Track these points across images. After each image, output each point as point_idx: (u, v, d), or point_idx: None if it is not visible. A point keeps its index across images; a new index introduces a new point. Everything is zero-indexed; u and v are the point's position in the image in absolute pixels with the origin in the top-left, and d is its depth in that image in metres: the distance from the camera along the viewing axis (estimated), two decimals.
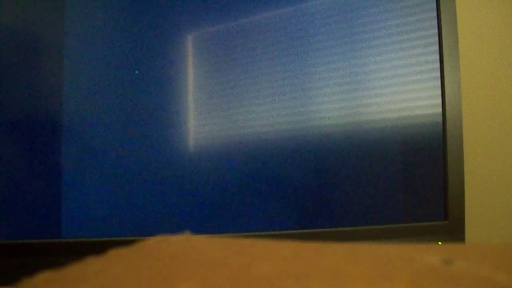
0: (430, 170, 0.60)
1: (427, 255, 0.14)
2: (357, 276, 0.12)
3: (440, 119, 0.60)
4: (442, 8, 0.61)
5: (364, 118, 0.57)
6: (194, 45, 0.53)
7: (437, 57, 0.61)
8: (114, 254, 0.15)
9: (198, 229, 0.52)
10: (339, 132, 0.56)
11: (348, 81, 0.57)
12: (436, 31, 0.61)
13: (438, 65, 0.61)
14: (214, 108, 0.53)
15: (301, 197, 0.55)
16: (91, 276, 0.12)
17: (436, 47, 0.61)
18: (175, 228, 0.51)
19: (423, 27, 0.61)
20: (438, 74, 0.61)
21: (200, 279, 0.12)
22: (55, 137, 0.48)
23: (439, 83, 0.61)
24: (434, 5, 0.61)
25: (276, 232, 0.53)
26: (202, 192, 0.52)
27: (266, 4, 0.55)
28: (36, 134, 0.47)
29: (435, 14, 0.61)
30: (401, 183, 0.58)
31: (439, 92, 0.60)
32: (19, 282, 0.12)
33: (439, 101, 0.60)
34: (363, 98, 0.58)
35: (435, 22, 0.61)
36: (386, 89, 0.58)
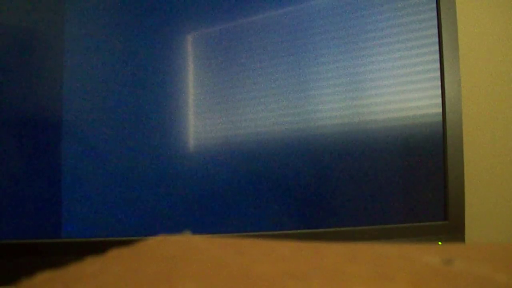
0: (430, 170, 0.60)
1: (427, 255, 0.14)
2: (357, 276, 0.12)
3: (440, 119, 0.60)
4: (442, 8, 0.61)
5: (364, 118, 0.57)
6: (194, 45, 0.53)
7: (437, 57, 0.61)
8: (114, 254, 0.15)
9: (198, 229, 0.52)
10: (339, 132, 0.56)
11: (348, 81, 0.57)
12: (436, 31, 0.61)
13: (438, 65, 0.61)
14: (214, 108, 0.53)
15: (301, 197, 0.55)
16: (91, 276, 0.12)
17: (436, 47, 0.61)
18: (175, 228, 0.51)
19: (423, 27, 0.61)
20: (438, 74, 0.61)
21: (200, 279, 0.12)
22: (55, 137, 0.48)
23: (439, 83, 0.61)
24: (434, 5, 0.61)
25: (276, 232, 0.53)
26: (202, 192, 0.52)
27: (266, 4, 0.55)
28: (36, 134, 0.47)
29: (435, 14, 0.61)
30: (401, 183, 0.58)
31: (439, 92, 0.60)
32: (19, 282, 0.12)
33: (439, 101, 0.60)
34: (363, 98, 0.58)
35: (435, 22, 0.61)
36: (386, 89, 0.58)
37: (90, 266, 0.13)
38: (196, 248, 0.15)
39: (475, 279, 0.12)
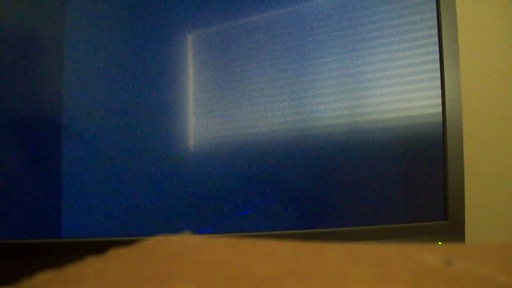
0: (430, 170, 0.60)
1: (427, 255, 0.14)
2: (357, 276, 0.12)
3: (440, 119, 0.60)
4: (442, 8, 0.61)
5: (364, 118, 0.57)
6: (194, 45, 0.53)
7: (437, 57, 0.61)
8: (114, 254, 0.15)
9: (198, 229, 0.52)
10: (339, 132, 0.56)
11: (348, 81, 0.57)
12: (436, 31, 0.61)
13: (438, 65, 0.61)
14: (214, 108, 0.53)
15: (302, 197, 0.55)
16: (91, 276, 0.12)
17: (436, 47, 0.61)
18: (175, 228, 0.51)
19: (423, 27, 0.61)
20: (438, 74, 0.61)
21: (200, 279, 0.12)
22: (55, 137, 0.48)
23: (439, 83, 0.60)
24: (434, 5, 0.61)
25: (276, 232, 0.53)
26: (202, 192, 0.52)
27: (266, 4, 0.55)
28: (36, 134, 0.47)
29: (435, 14, 0.61)
30: (401, 183, 0.58)
31: (439, 92, 0.60)
32: (19, 282, 0.12)
33: (439, 101, 0.60)
34: (363, 98, 0.58)
35: (435, 22, 0.61)
36: (386, 89, 0.58)
37: (90, 266, 0.13)
38: (196, 248, 0.15)
39: (475, 279, 0.12)
